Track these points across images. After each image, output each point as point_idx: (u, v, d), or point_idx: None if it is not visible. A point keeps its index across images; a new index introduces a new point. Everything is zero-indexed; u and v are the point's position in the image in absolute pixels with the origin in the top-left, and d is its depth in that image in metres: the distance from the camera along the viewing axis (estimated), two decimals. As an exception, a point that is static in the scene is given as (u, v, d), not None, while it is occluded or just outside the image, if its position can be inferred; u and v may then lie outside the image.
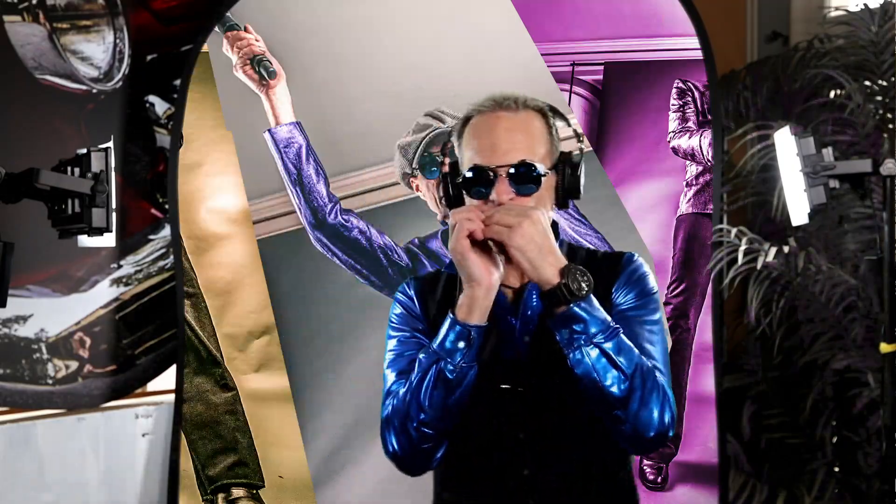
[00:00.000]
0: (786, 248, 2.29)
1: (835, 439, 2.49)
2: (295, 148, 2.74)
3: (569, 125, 1.42)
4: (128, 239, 2.80)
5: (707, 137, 2.70)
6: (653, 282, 1.38)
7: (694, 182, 2.73)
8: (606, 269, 1.37)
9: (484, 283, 1.24)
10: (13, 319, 2.55)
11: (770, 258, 2.24)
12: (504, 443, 1.33)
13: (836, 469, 2.47)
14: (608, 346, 1.23)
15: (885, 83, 2.54)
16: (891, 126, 2.51)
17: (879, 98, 2.55)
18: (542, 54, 2.77)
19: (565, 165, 1.34)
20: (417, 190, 2.70)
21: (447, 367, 1.24)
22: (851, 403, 2.40)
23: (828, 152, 1.87)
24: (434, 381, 1.25)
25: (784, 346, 2.53)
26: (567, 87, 2.80)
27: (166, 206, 2.81)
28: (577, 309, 1.23)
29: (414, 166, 2.67)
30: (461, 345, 1.24)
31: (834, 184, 1.87)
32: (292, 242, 2.79)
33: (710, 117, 2.72)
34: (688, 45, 2.74)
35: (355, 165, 2.78)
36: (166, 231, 2.82)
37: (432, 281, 1.43)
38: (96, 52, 2.71)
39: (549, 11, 2.80)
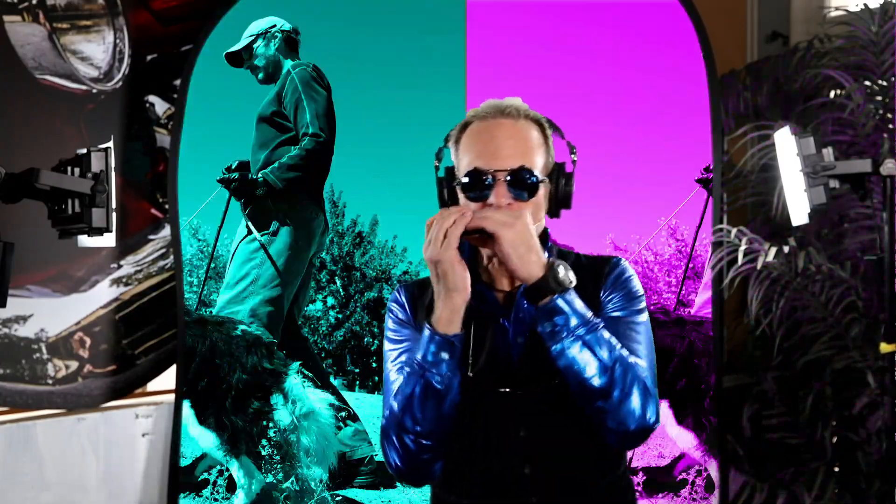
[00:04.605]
0: (786, 248, 2.29)
1: (835, 439, 2.49)
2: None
3: (562, 137, 1.44)
4: (128, 239, 2.79)
5: None
6: (638, 284, 1.41)
7: None
8: (592, 272, 1.40)
9: (466, 293, 1.26)
10: (13, 319, 2.54)
11: (770, 258, 2.24)
12: (505, 442, 1.34)
13: (836, 469, 2.47)
14: (589, 338, 1.26)
15: (885, 83, 2.54)
16: (891, 126, 2.51)
17: (879, 98, 2.55)
18: None
19: (559, 175, 1.36)
20: None
21: (434, 379, 1.26)
22: (851, 403, 2.40)
23: (828, 152, 1.87)
24: (424, 392, 1.26)
25: (784, 346, 2.53)
26: None
27: (166, 206, 2.81)
28: (559, 301, 1.25)
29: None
30: (445, 355, 1.26)
31: (834, 184, 1.87)
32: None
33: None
34: None
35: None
36: (166, 231, 2.82)
37: (421, 286, 1.43)
38: (96, 52, 2.71)
39: None
